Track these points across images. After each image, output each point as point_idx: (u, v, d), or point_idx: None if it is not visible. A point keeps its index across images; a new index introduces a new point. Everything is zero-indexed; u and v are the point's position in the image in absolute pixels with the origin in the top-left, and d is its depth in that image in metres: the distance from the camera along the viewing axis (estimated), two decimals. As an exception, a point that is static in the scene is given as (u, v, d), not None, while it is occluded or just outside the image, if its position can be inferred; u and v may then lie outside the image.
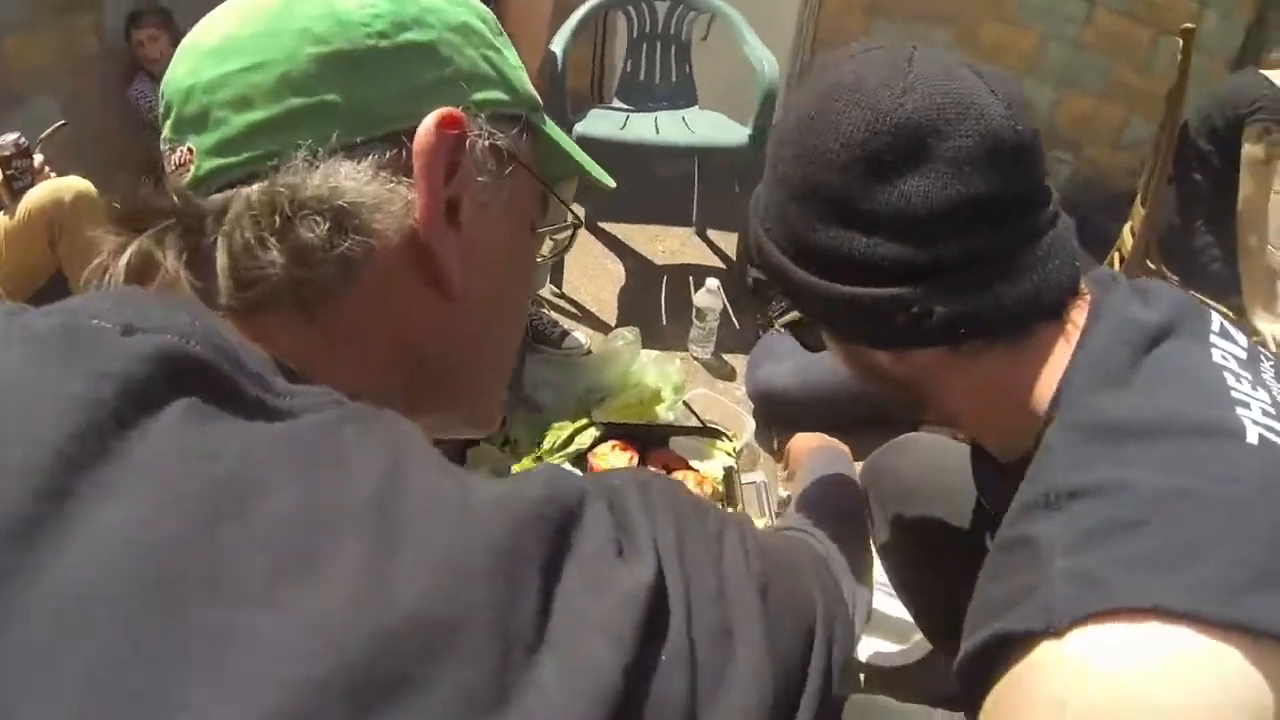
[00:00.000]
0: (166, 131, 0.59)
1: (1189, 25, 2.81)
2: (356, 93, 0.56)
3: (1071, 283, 0.83)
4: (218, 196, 0.55)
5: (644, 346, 2.54)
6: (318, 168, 0.53)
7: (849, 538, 1.02)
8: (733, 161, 3.13)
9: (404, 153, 0.55)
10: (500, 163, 0.60)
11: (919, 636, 1.74)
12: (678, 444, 2.12)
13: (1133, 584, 0.62)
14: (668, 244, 3.61)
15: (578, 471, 1.59)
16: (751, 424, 2.42)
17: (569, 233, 0.76)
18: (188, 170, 0.56)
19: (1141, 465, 0.68)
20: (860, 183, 0.79)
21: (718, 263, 3.55)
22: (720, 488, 2.01)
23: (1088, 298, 0.84)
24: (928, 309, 0.79)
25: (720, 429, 2.24)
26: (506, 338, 0.71)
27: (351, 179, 0.54)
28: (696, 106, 3.50)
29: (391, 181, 0.55)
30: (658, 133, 3.14)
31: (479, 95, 0.60)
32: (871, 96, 0.79)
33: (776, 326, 1.08)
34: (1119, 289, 0.84)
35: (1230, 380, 0.74)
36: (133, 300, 0.48)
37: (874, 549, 1.35)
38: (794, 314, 1.02)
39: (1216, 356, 0.77)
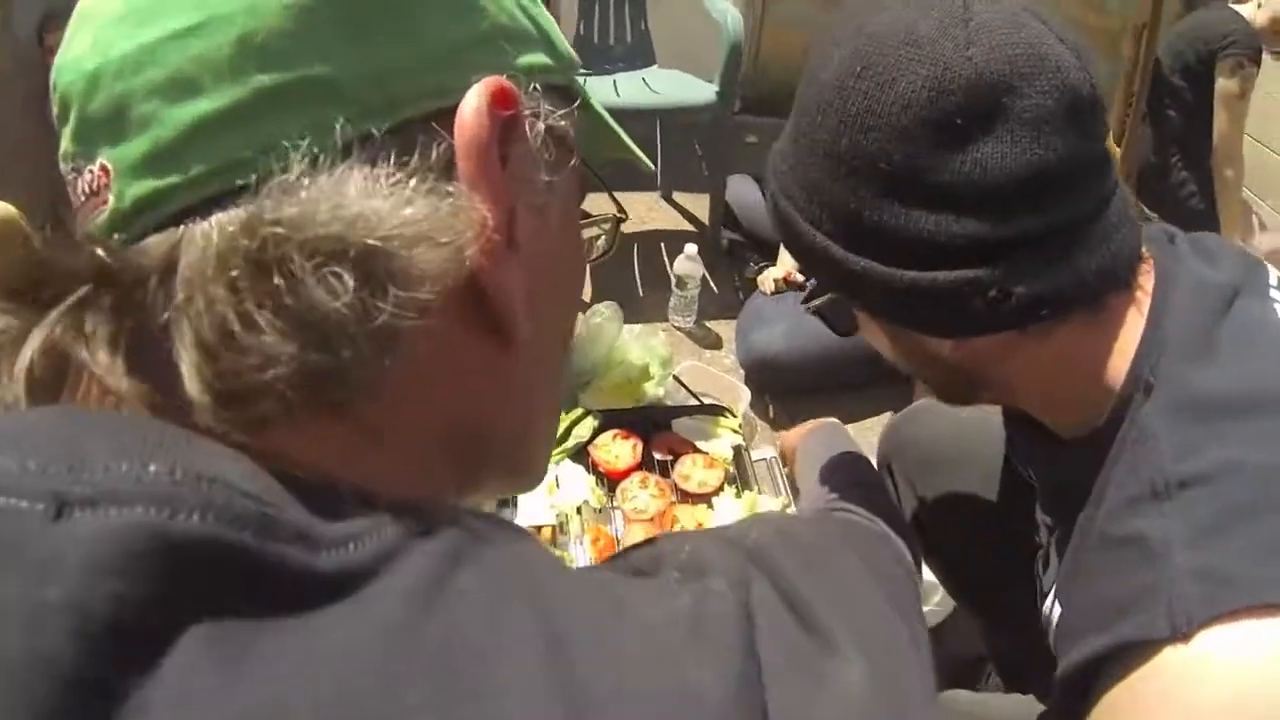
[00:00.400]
0: (66, 144, 0.40)
1: None
2: (361, 59, 0.38)
3: (1139, 247, 0.77)
4: (156, 241, 0.36)
5: (624, 321, 2.44)
6: (318, 182, 0.36)
7: (881, 504, 1.01)
8: (695, 120, 3.02)
9: (439, 147, 0.39)
10: (560, 151, 0.45)
11: (940, 595, 1.75)
12: (680, 426, 2.01)
13: (1260, 577, 0.60)
14: (634, 211, 3.49)
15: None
16: (747, 393, 2.33)
17: (612, 232, 0.60)
18: (104, 203, 0.38)
19: (1248, 444, 0.65)
20: (926, 151, 0.70)
21: (688, 226, 3.46)
22: (731, 468, 1.91)
23: (1151, 260, 0.79)
24: (1006, 291, 0.71)
25: (721, 405, 2.15)
26: (559, 375, 0.54)
27: (375, 197, 0.36)
28: (655, 65, 3.37)
29: (433, 195, 0.37)
30: (618, 96, 3.02)
31: (524, 59, 0.44)
32: (932, 49, 0.69)
33: (805, 309, 0.99)
34: (1181, 249, 0.80)
35: None
36: (56, 433, 0.32)
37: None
38: (821, 296, 0.95)
39: None
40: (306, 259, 0.35)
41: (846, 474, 1.14)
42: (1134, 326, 0.76)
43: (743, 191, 3.11)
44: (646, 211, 3.53)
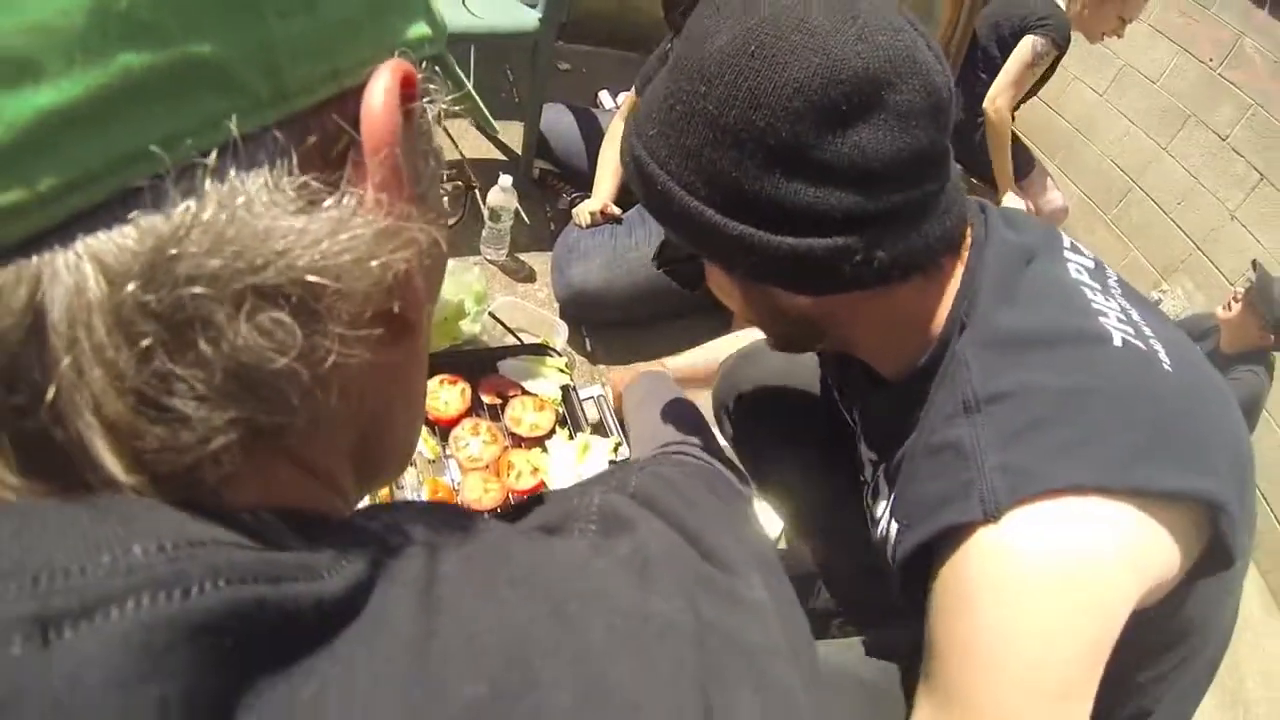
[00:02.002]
0: None
1: None
2: (249, 35, 0.30)
3: (967, 217, 0.91)
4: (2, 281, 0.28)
5: (435, 253, 2.25)
6: (214, 197, 0.29)
7: (711, 445, 1.14)
8: (512, 45, 2.82)
9: (340, 143, 0.34)
10: (433, 132, 0.41)
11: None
12: (506, 367, 1.94)
13: (1051, 470, 0.76)
14: (442, 139, 3.23)
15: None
16: (564, 328, 2.25)
17: (466, 200, 0.53)
18: None
19: (1042, 369, 0.82)
20: (812, 131, 0.77)
21: (499, 155, 3.24)
22: (561, 409, 1.89)
23: (970, 227, 0.93)
24: (870, 256, 0.81)
25: (545, 345, 2.07)
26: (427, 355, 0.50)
27: (289, 214, 0.31)
28: None
29: (351, 205, 0.33)
30: None
31: (413, 30, 0.39)
32: (824, 40, 0.76)
33: (657, 268, 1.09)
34: (992, 218, 0.95)
35: (1088, 294, 0.89)
36: None
37: (733, 450, 1.61)
38: (678, 255, 1.05)
39: (1073, 271, 0.92)
40: (233, 306, 0.30)
41: (676, 419, 1.27)
42: (954, 281, 0.91)
43: (556, 121, 2.96)
44: (457, 139, 3.29)
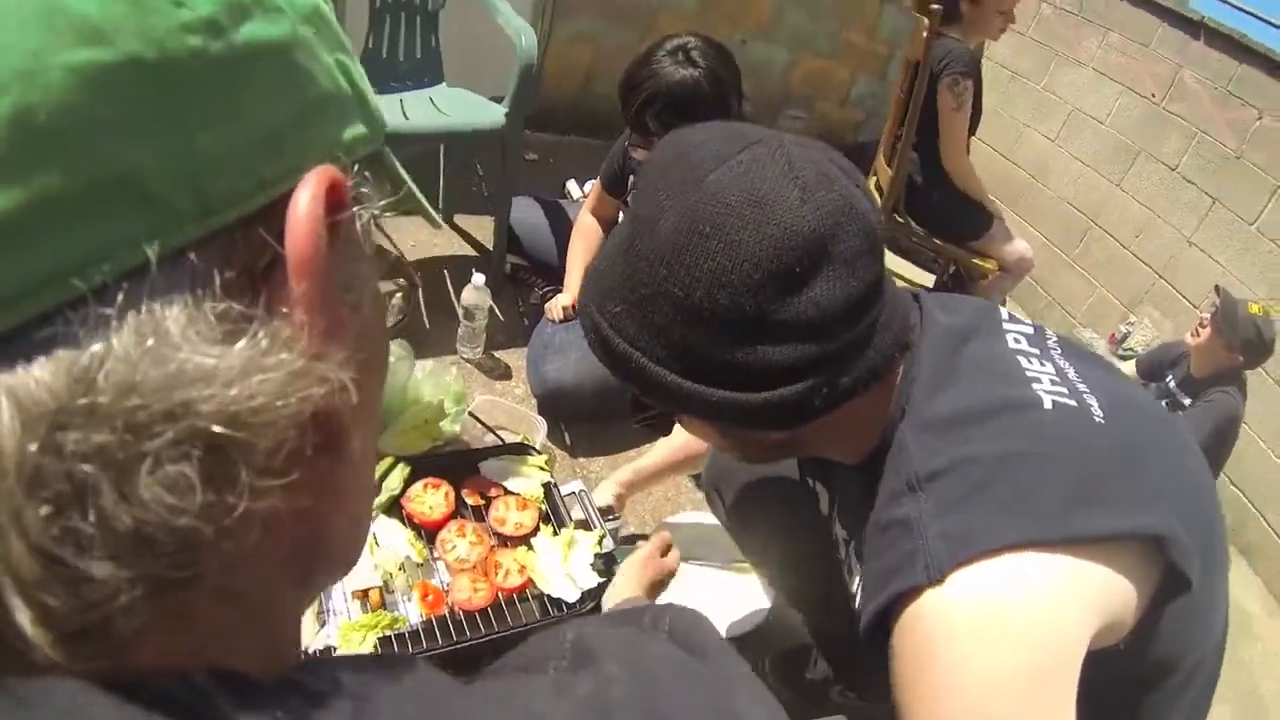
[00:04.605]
0: None
1: (935, 6, 2.96)
2: (171, 148, 0.28)
3: (910, 313, 0.98)
4: None
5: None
6: (126, 330, 0.27)
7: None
8: (481, 141, 2.87)
9: (261, 259, 0.31)
10: (368, 236, 0.39)
11: (756, 607, 2.02)
12: (488, 468, 1.98)
13: (987, 531, 0.80)
14: (414, 236, 3.27)
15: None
16: (543, 424, 2.28)
17: (409, 299, 0.51)
18: None
19: (976, 441, 0.87)
20: (773, 298, 0.83)
21: (470, 251, 3.30)
22: (544, 506, 1.93)
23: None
24: (835, 385, 0.89)
25: (524, 444, 2.11)
26: (375, 454, 0.48)
27: (204, 348, 0.28)
28: (444, 84, 3.14)
29: (269, 333, 0.30)
30: (406, 119, 2.71)
31: (347, 132, 0.37)
32: (771, 210, 0.83)
33: (632, 421, 1.16)
34: (927, 306, 1.02)
35: (1024, 362, 0.95)
36: None
37: (728, 530, 1.77)
38: (656, 415, 1.10)
39: (1010, 341, 0.99)
40: (136, 460, 0.27)
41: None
42: (898, 374, 0.97)
43: (526, 215, 2.99)
44: (429, 236, 3.34)
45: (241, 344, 0.29)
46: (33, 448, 0.26)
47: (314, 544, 0.39)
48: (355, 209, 0.36)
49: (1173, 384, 3.25)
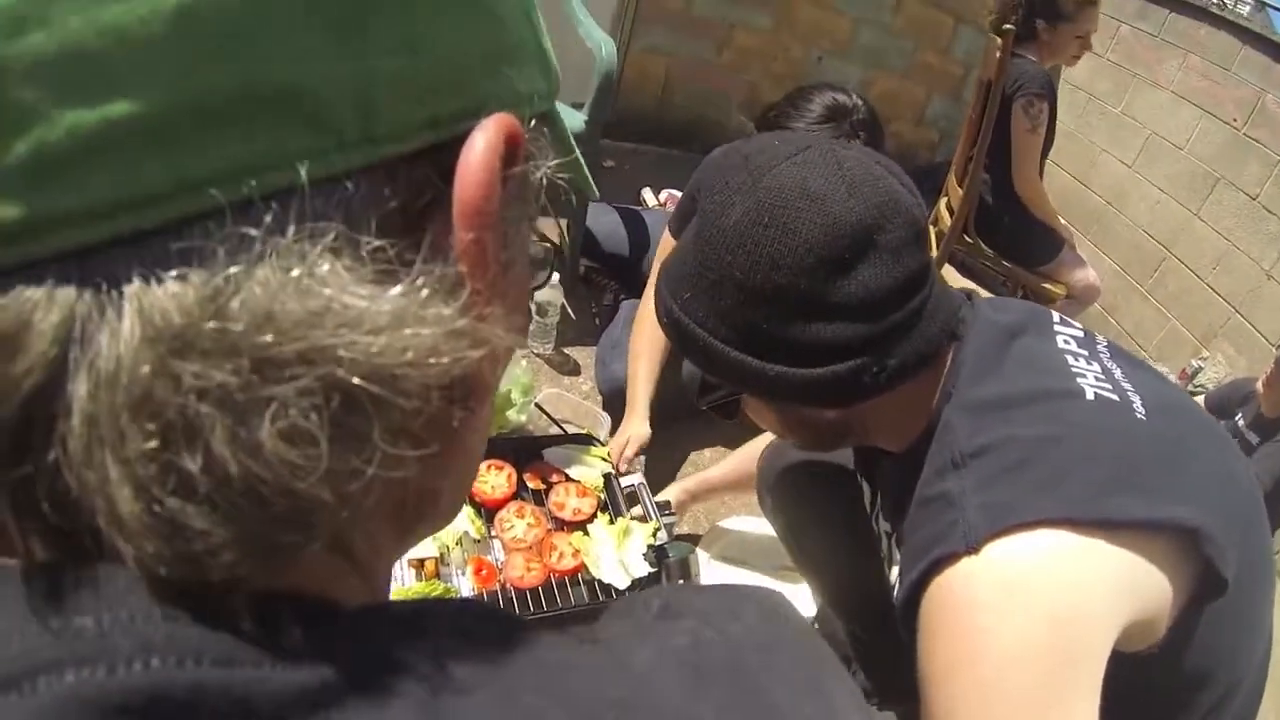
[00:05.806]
0: None
1: (1009, 26, 2.93)
2: (343, 66, 0.26)
3: (958, 307, 1.05)
4: (27, 298, 0.24)
5: (485, 347, 2.38)
6: (275, 248, 0.25)
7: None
8: (560, 147, 2.96)
9: (424, 199, 0.29)
10: (535, 195, 0.36)
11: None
12: (551, 455, 2.04)
13: (1025, 505, 0.84)
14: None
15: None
16: (607, 420, 2.35)
17: (550, 260, 0.50)
18: None
19: (1019, 423, 0.92)
20: (823, 281, 0.92)
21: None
22: (603, 495, 1.99)
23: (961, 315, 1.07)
24: (883, 365, 0.96)
25: (588, 434, 2.17)
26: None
27: (355, 279, 0.26)
28: None
29: (430, 284, 0.28)
30: None
31: (526, 84, 0.34)
32: (822, 203, 0.92)
33: (699, 406, 1.24)
34: (978, 305, 1.08)
35: (1070, 360, 1.00)
36: None
37: (776, 533, 1.82)
38: (723, 397, 1.19)
39: (1060, 342, 1.04)
40: (258, 404, 0.25)
41: None
42: (947, 363, 1.03)
43: (601, 219, 3.09)
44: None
45: (398, 289, 0.27)
46: (145, 369, 0.24)
47: (422, 502, 0.37)
48: (529, 164, 0.33)
49: (1242, 422, 3.15)
